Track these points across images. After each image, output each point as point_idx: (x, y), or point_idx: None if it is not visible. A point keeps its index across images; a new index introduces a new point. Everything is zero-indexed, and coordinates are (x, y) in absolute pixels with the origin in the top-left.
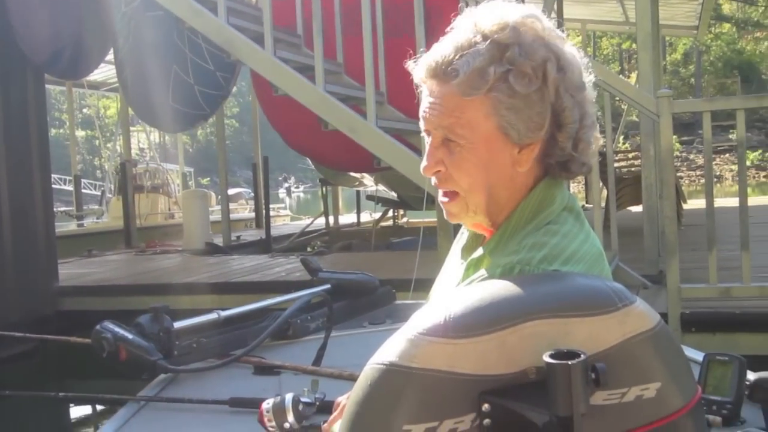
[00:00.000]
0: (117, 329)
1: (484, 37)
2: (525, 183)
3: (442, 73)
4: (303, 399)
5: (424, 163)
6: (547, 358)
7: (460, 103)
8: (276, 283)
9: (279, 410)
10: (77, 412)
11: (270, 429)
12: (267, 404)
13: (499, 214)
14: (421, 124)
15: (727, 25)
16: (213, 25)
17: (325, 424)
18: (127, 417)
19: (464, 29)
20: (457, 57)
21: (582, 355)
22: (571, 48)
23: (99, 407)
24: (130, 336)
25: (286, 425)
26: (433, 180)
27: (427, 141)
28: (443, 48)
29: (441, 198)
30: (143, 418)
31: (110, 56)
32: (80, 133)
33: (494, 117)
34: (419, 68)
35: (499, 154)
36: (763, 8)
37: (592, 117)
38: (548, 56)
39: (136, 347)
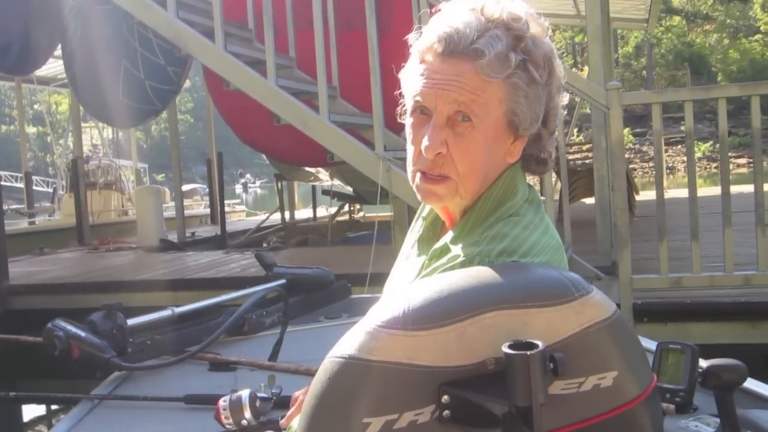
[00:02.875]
0: (69, 327)
1: (500, 25)
2: (498, 173)
3: (462, 50)
4: (260, 395)
5: (426, 142)
6: (505, 349)
7: (481, 83)
8: (231, 279)
9: (236, 407)
10: (30, 412)
11: (227, 426)
12: (224, 401)
13: (470, 202)
14: (417, 101)
15: (677, 18)
16: (163, 19)
17: (283, 420)
18: (80, 416)
19: (465, 12)
20: (477, 37)
21: (540, 346)
22: None
23: (52, 407)
24: (82, 334)
25: (244, 422)
26: (419, 165)
27: (409, 121)
28: (458, 26)
29: (421, 180)
30: (97, 417)
31: (59, 51)
32: (31, 130)
33: (507, 103)
34: (426, 42)
35: (500, 142)
36: (711, 1)
37: (561, 118)
38: (552, 53)
39: (88, 345)
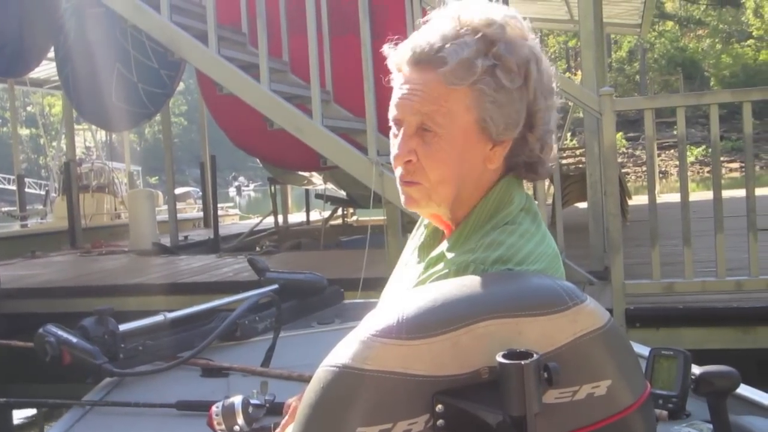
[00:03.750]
0: (60, 332)
1: (472, 31)
2: (489, 180)
3: (426, 60)
4: (253, 401)
5: (395, 151)
6: (500, 358)
7: (444, 91)
8: (224, 283)
9: (229, 413)
10: (20, 417)
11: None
12: (216, 408)
13: (460, 209)
14: (392, 113)
15: (670, 23)
16: (156, 22)
17: (277, 430)
18: (72, 422)
19: (446, 21)
20: (444, 45)
21: (535, 355)
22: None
23: (43, 412)
24: (74, 339)
25: (236, 428)
26: (399, 170)
27: (394, 132)
28: (428, 36)
29: (401, 184)
30: (89, 423)
31: (52, 53)
32: (24, 132)
33: (476, 110)
34: (399, 54)
35: (473, 149)
36: (704, 6)
37: (555, 123)
38: (530, 56)
39: (80, 351)
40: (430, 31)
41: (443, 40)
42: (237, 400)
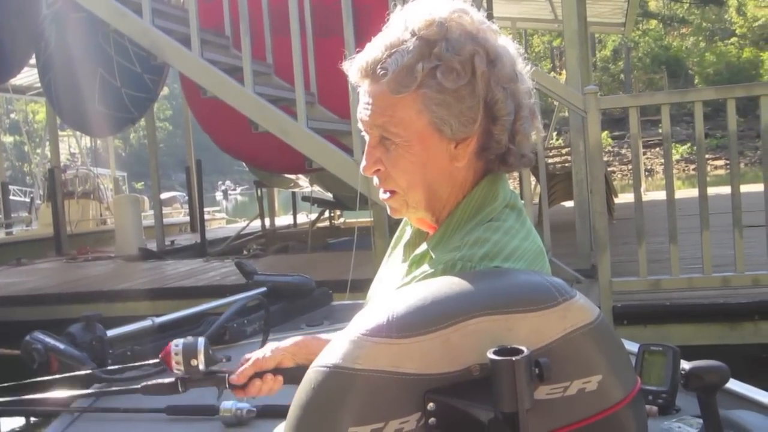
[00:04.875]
0: (48, 339)
1: (413, 35)
2: (466, 178)
3: (372, 72)
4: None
5: (363, 163)
6: (490, 355)
7: (391, 101)
8: (211, 287)
9: (189, 351)
10: (8, 425)
11: (176, 371)
12: (176, 345)
13: (442, 210)
14: (359, 125)
15: (654, 22)
16: (138, 26)
17: (234, 375)
18: (61, 429)
19: (396, 28)
20: (386, 56)
21: (525, 351)
22: (503, 39)
23: (31, 420)
24: (61, 346)
25: (194, 362)
26: (375, 180)
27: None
28: (374, 48)
29: (381, 194)
30: (78, 430)
31: (34, 59)
32: (8, 139)
33: (426, 113)
34: (353, 69)
35: (435, 151)
36: (687, 5)
37: (528, 108)
38: (476, 50)
39: (68, 357)
40: (378, 42)
41: (387, 49)
42: (200, 339)
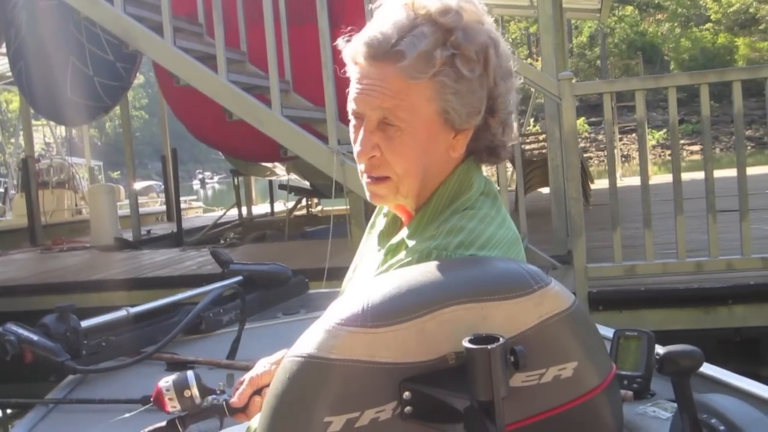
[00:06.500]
0: (21, 331)
1: (428, 20)
2: (450, 167)
3: (383, 54)
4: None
5: (357, 148)
6: (466, 344)
7: (404, 85)
8: (187, 277)
9: (181, 386)
10: None
11: (171, 410)
12: (165, 383)
13: (422, 197)
14: (351, 106)
15: (629, 8)
16: (109, 14)
17: (233, 399)
18: (35, 421)
19: (398, 8)
20: (400, 38)
21: (501, 339)
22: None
23: (6, 412)
24: (35, 337)
25: (187, 393)
26: (361, 167)
27: (353, 124)
28: (383, 27)
29: (366, 180)
30: (53, 422)
31: (4, 48)
32: None
33: (437, 101)
34: (353, 47)
35: (436, 140)
36: None
37: (515, 103)
38: (489, 42)
39: (42, 348)
40: (384, 21)
41: (399, 31)
42: (189, 373)
